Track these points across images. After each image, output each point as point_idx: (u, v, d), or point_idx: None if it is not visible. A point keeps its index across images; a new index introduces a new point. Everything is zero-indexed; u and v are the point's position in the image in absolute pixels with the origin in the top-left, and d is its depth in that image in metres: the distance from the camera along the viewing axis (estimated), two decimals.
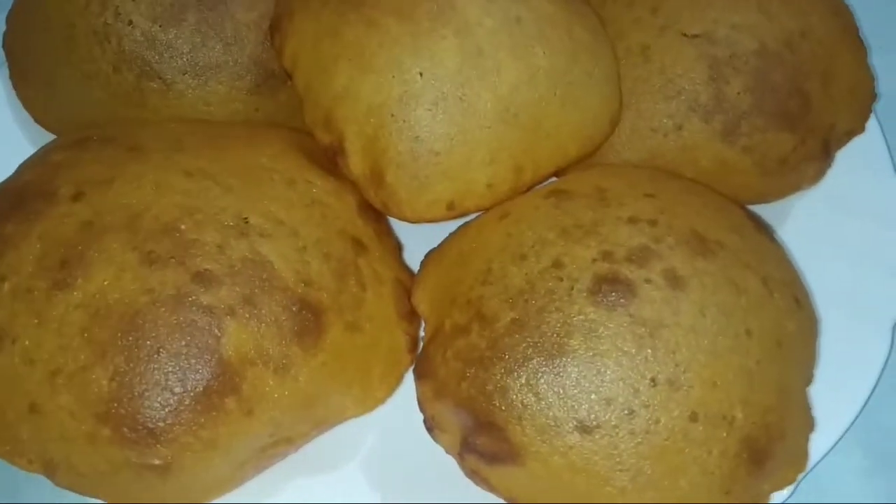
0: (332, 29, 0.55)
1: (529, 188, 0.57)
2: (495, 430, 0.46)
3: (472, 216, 0.57)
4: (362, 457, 0.56)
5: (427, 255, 0.58)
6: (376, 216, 0.58)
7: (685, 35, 0.62)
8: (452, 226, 0.58)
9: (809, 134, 0.62)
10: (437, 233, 0.58)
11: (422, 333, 0.56)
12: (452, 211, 0.55)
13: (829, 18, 0.65)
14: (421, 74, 0.53)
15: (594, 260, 0.48)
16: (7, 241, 0.49)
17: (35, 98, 0.67)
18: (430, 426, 0.51)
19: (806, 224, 0.65)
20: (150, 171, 0.52)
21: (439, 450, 0.53)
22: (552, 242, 0.49)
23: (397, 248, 0.60)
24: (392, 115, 0.53)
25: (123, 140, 0.55)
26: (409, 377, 0.55)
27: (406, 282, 0.57)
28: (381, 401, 0.54)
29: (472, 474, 0.49)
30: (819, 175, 0.65)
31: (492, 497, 0.51)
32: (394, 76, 0.53)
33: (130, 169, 0.52)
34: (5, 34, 0.69)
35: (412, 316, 0.56)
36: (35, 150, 0.66)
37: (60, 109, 0.66)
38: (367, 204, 0.57)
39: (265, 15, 0.64)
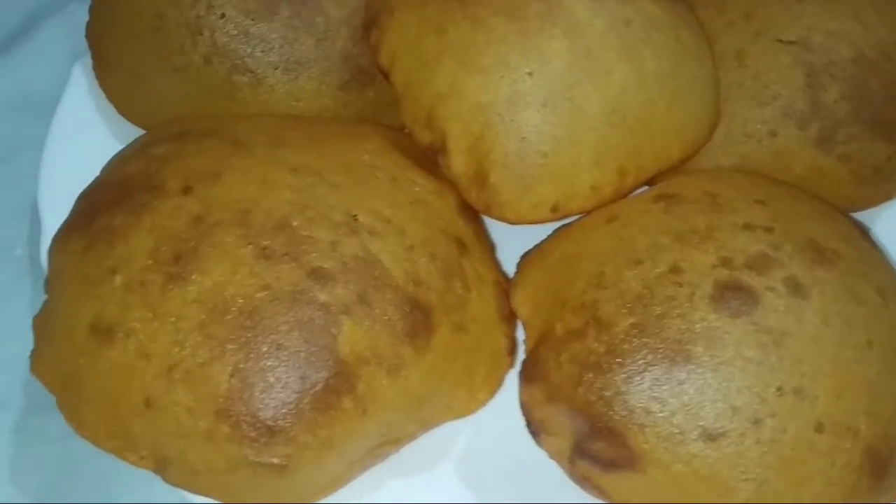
0: (436, 26, 0.55)
1: (630, 191, 0.56)
2: (614, 436, 0.46)
3: (569, 219, 0.57)
4: (456, 457, 0.56)
5: (524, 257, 0.57)
6: (474, 216, 0.57)
7: (781, 41, 0.62)
8: (538, 227, 0.57)
9: None
10: (520, 233, 0.58)
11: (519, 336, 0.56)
12: (555, 213, 0.55)
13: None
14: (530, 74, 0.53)
15: (713, 266, 0.48)
16: (116, 232, 0.49)
17: (118, 88, 0.66)
18: (537, 430, 0.51)
19: (892, 233, 0.65)
20: (256, 165, 0.51)
21: (533, 451, 0.52)
22: (668, 247, 0.49)
23: (493, 248, 0.59)
24: (499, 115, 0.53)
25: (224, 133, 0.54)
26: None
27: (504, 283, 0.56)
28: (483, 403, 0.53)
29: (583, 480, 0.49)
30: None
31: (589, 498, 0.50)
32: (502, 76, 0.53)
33: (236, 163, 0.51)
34: (88, 25, 0.68)
35: (511, 318, 0.55)
36: (115, 141, 0.66)
37: (145, 100, 0.65)
38: (466, 204, 0.56)
39: (356, 10, 0.63)
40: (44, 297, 0.56)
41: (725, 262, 0.48)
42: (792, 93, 0.61)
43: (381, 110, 0.66)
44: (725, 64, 0.62)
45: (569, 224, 0.56)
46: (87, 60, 0.69)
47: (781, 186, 0.54)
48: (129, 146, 0.57)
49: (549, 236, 0.57)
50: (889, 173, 0.63)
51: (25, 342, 0.61)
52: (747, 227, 0.49)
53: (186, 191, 0.50)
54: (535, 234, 0.58)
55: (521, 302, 0.55)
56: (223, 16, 0.61)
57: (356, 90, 0.64)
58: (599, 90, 0.53)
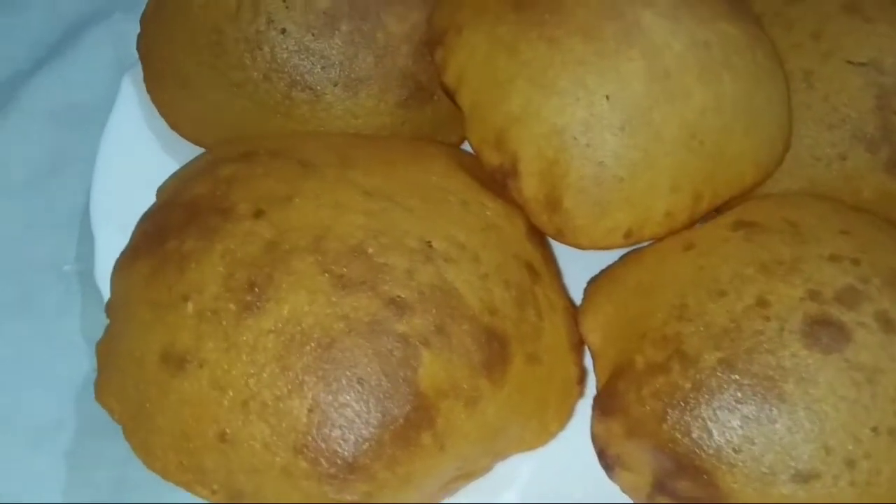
0: (508, 46, 0.53)
1: (701, 217, 0.55)
2: (700, 474, 0.45)
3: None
4: (520, 488, 0.54)
5: (592, 283, 0.56)
6: (542, 241, 0.56)
7: (851, 62, 0.60)
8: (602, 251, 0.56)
9: None
10: (584, 256, 0.56)
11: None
12: (628, 239, 0.53)
13: None
14: (607, 97, 0.51)
15: (801, 299, 0.46)
16: (187, 257, 0.47)
17: (171, 103, 0.65)
18: (612, 464, 0.49)
19: None
20: (327, 188, 0.50)
21: (598, 483, 0.51)
22: (752, 279, 0.48)
23: (560, 273, 0.58)
24: (575, 139, 0.52)
25: (292, 154, 0.53)
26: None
27: (573, 310, 0.55)
28: (555, 434, 0.52)
29: None
30: None
31: None
32: (578, 98, 0.51)
33: (307, 186, 0.50)
34: (140, 37, 0.67)
35: (580, 345, 0.54)
36: (167, 156, 0.65)
37: (199, 115, 0.64)
38: (535, 228, 0.55)
39: (417, 26, 0.62)
40: (96, 315, 0.55)
41: (814, 296, 0.46)
42: (862, 115, 0.59)
43: (439, 127, 0.65)
44: (794, 85, 0.60)
45: (640, 250, 0.55)
46: (137, 72, 0.67)
47: (860, 214, 0.53)
48: (190, 165, 0.56)
49: (619, 262, 0.55)
50: None
51: (77, 363, 0.61)
52: (833, 258, 0.48)
53: (258, 214, 0.48)
54: (598, 257, 0.56)
55: (591, 329, 0.53)
56: (284, 31, 0.60)
57: (415, 107, 0.63)
58: (678, 113, 0.52)
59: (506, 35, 0.53)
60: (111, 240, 0.59)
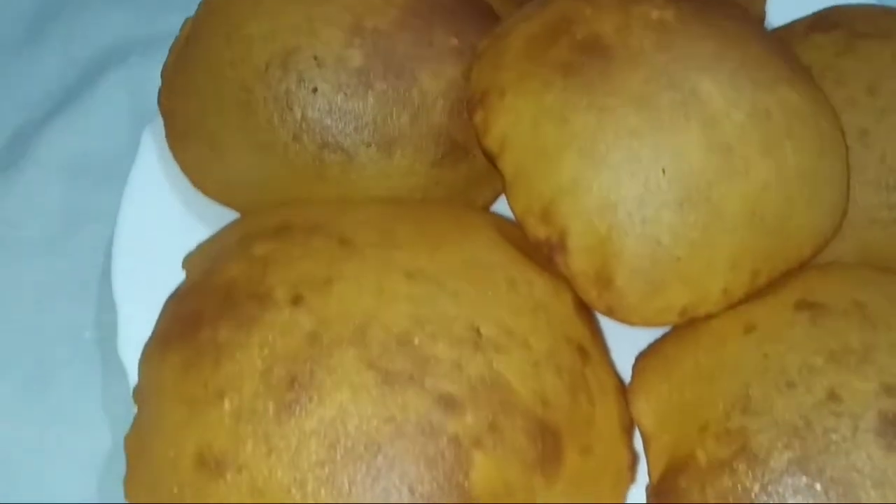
0: (557, 115, 0.51)
1: (757, 291, 0.52)
2: None
3: None
4: None
5: (642, 358, 0.53)
6: (590, 315, 0.53)
7: None
8: None
9: None
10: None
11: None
12: (683, 317, 0.51)
13: None
14: (664, 171, 0.49)
15: (876, 394, 0.44)
16: (223, 349, 0.45)
17: (195, 162, 0.62)
18: None
19: None
20: (369, 271, 0.47)
21: None
22: (822, 370, 0.45)
23: (607, 348, 0.55)
24: (629, 215, 0.49)
25: (330, 230, 0.50)
26: None
27: (623, 388, 0.52)
28: None
29: None
30: None
31: None
32: (633, 172, 0.49)
33: (348, 269, 0.47)
34: (161, 91, 0.64)
35: (631, 427, 0.51)
36: (192, 216, 0.62)
37: (225, 176, 0.61)
38: (582, 302, 0.52)
39: (452, 83, 0.59)
40: (118, 388, 0.52)
41: (889, 391, 0.44)
42: None
43: (473, 184, 0.62)
44: (848, 143, 0.58)
45: (695, 325, 0.52)
46: (157, 125, 0.65)
47: None
48: (219, 238, 0.53)
49: (672, 338, 0.53)
50: None
51: (99, 438, 0.58)
52: None
53: (297, 301, 0.46)
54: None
55: (643, 412, 0.51)
56: (315, 90, 0.57)
57: (449, 166, 0.60)
58: (739, 189, 0.49)
59: (554, 103, 0.51)
60: (135, 311, 0.57)
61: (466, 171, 0.61)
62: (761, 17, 0.71)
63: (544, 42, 0.53)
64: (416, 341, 0.45)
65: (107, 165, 0.70)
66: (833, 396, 0.44)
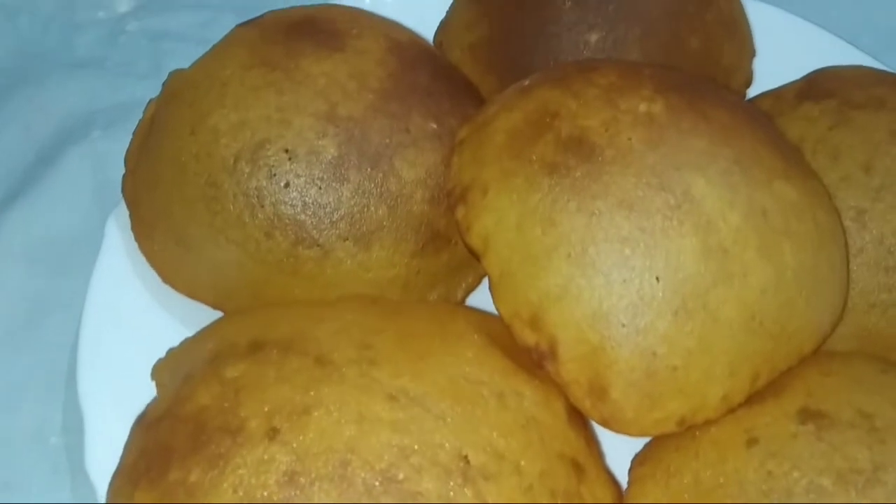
0: (544, 216, 0.48)
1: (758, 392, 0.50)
2: None
3: None
4: None
5: (639, 465, 0.51)
6: (583, 419, 0.51)
7: None
8: None
9: None
10: None
11: None
12: (682, 426, 0.48)
13: None
14: (658, 279, 0.46)
15: None
16: (194, 491, 0.42)
17: (163, 256, 0.59)
18: None
19: None
20: (348, 395, 0.44)
21: None
22: (830, 493, 0.43)
23: (602, 453, 0.52)
24: (623, 325, 0.46)
25: (306, 347, 0.47)
26: None
27: (619, 496, 0.50)
28: None
29: None
30: None
31: None
32: (625, 280, 0.46)
33: (326, 394, 0.44)
34: (125, 178, 0.61)
35: None
36: (162, 310, 0.59)
37: (195, 271, 0.58)
38: (574, 409, 0.50)
39: (431, 170, 0.56)
40: (88, 497, 0.49)
41: None
42: None
43: (455, 272, 0.60)
44: (845, 226, 0.55)
45: (694, 435, 0.49)
46: (122, 212, 0.61)
47: None
48: (191, 349, 0.50)
49: (669, 445, 0.50)
50: None
51: None
52: None
53: (272, 434, 0.43)
54: None
55: None
56: (287, 185, 0.54)
57: (431, 255, 0.57)
58: (737, 294, 0.46)
59: (540, 204, 0.48)
60: (103, 424, 0.54)
61: (448, 258, 0.58)
62: (747, 84, 0.69)
63: (528, 137, 0.50)
64: (401, 476, 0.42)
65: (71, 249, 0.67)
66: None
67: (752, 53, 0.71)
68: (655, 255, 0.46)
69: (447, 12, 0.71)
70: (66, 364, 0.62)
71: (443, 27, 0.71)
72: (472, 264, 0.59)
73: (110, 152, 0.70)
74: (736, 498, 0.45)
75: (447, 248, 0.58)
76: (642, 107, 0.49)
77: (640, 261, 0.46)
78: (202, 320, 0.56)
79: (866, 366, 0.51)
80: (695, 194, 0.47)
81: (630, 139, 0.48)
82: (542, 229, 0.48)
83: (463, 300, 0.61)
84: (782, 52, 0.72)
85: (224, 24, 0.80)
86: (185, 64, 0.75)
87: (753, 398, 0.49)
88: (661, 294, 0.46)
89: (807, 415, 0.47)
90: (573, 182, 0.48)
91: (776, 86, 0.67)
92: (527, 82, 0.54)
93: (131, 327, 0.58)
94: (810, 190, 0.50)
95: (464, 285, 0.61)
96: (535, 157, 0.49)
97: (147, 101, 0.64)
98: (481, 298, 0.58)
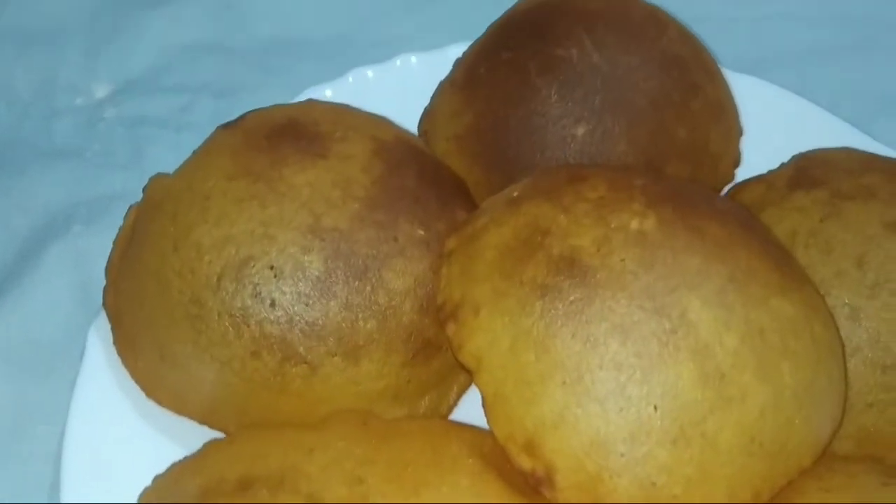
0: (536, 342, 0.47)
1: None
2: None
3: None
4: None
5: None
6: None
7: None
8: None
9: None
10: None
11: None
12: None
13: None
14: (655, 408, 0.45)
15: None
16: None
17: (146, 371, 0.57)
18: None
19: None
20: None
21: None
22: None
23: None
24: (621, 455, 0.45)
25: (296, 483, 0.46)
26: None
27: None
28: None
29: None
30: None
31: None
32: (621, 409, 0.45)
33: None
34: (106, 290, 0.60)
35: None
36: (146, 425, 0.58)
37: (180, 387, 0.57)
38: None
39: (420, 280, 0.55)
40: None
41: None
42: None
43: (447, 377, 0.59)
44: (840, 324, 0.55)
45: None
46: (103, 321, 0.60)
47: None
48: (178, 481, 0.49)
49: None
50: None
51: None
52: None
53: None
54: None
55: None
56: (273, 303, 0.53)
57: (421, 364, 0.56)
58: (735, 419, 0.46)
59: (533, 328, 0.47)
60: None
61: (439, 365, 0.57)
62: (735, 165, 0.69)
63: (519, 256, 0.49)
64: None
65: (54, 354, 0.65)
66: None
67: (740, 134, 0.70)
68: (652, 383, 0.45)
69: (432, 99, 0.71)
70: (49, 480, 0.60)
71: (427, 115, 0.70)
72: (462, 372, 0.58)
73: (92, 248, 0.69)
74: None
75: (438, 356, 0.57)
76: (634, 223, 0.48)
77: (636, 389, 0.45)
78: (188, 434, 0.56)
79: (866, 477, 0.50)
80: (691, 317, 0.46)
81: (623, 260, 0.47)
82: (536, 355, 0.47)
83: (455, 402, 0.60)
84: (768, 126, 0.72)
85: (202, 108, 0.81)
86: (165, 152, 0.74)
87: None
88: (658, 423, 0.45)
89: None
90: (566, 306, 0.47)
91: (763, 161, 0.67)
92: (516, 193, 0.53)
93: (115, 443, 0.57)
94: (806, 302, 0.50)
95: (455, 388, 0.60)
96: (526, 279, 0.48)
97: (127, 192, 0.63)
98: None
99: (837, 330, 0.52)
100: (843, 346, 0.52)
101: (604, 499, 0.46)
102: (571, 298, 0.47)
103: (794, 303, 0.49)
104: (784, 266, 0.51)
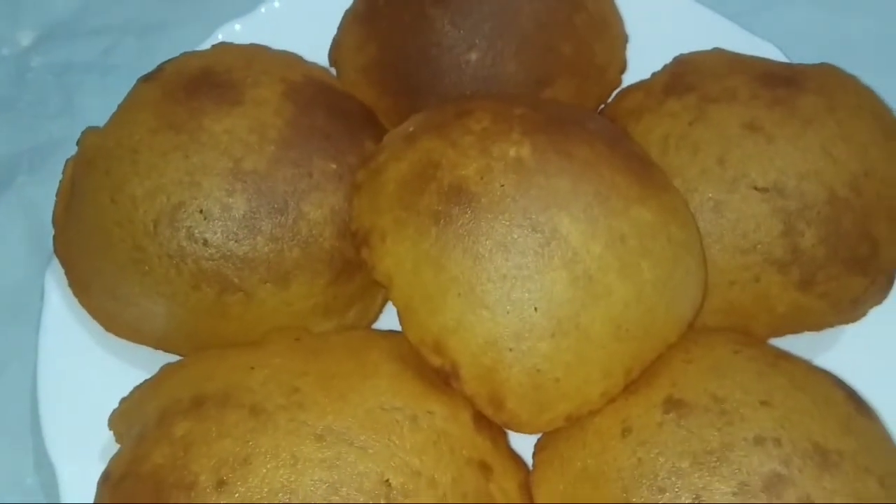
0: (434, 262, 0.55)
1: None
2: None
3: None
4: None
5: (540, 450, 0.60)
6: (489, 422, 0.59)
7: (756, 188, 0.63)
8: None
9: (879, 273, 0.65)
10: None
11: None
12: (570, 421, 0.57)
13: (885, 146, 0.66)
14: (536, 308, 0.54)
15: (734, 494, 0.51)
16: None
17: (101, 309, 0.65)
18: None
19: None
20: (281, 441, 0.52)
21: None
22: (688, 473, 0.52)
23: (507, 436, 0.61)
24: (510, 350, 0.54)
25: (241, 398, 0.54)
26: None
27: (526, 478, 0.59)
28: None
29: None
30: (882, 300, 0.68)
31: None
32: (508, 311, 0.54)
33: (262, 442, 0.52)
34: (55, 238, 0.66)
35: None
36: (108, 353, 0.65)
37: (133, 322, 0.64)
38: (480, 413, 0.58)
39: (336, 209, 0.62)
40: None
41: (743, 489, 0.51)
42: (771, 240, 0.62)
43: (369, 289, 0.66)
44: (705, 216, 0.63)
45: (582, 426, 0.58)
46: (56, 266, 0.66)
47: (781, 372, 0.57)
48: (140, 400, 0.57)
49: (563, 436, 0.59)
50: (865, 300, 0.66)
51: None
52: (758, 440, 0.52)
53: (220, 485, 0.50)
54: None
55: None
56: (205, 243, 0.60)
57: (344, 282, 0.64)
58: (603, 312, 0.54)
59: (430, 250, 0.55)
60: (72, 470, 0.61)
61: (361, 279, 0.65)
62: (621, 72, 0.75)
63: (415, 188, 0.56)
64: None
65: (15, 300, 0.72)
66: (698, 499, 0.51)
67: (625, 41, 0.76)
68: (532, 289, 0.53)
69: (338, 29, 0.75)
70: (29, 410, 0.68)
71: (336, 46, 0.75)
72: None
73: (40, 195, 0.75)
74: (615, 483, 0.54)
75: (359, 272, 0.64)
76: (512, 152, 0.56)
77: (519, 294, 0.54)
78: (147, 359, 0.64)
79: (722, 348, 0.59)
80: (561, 231, 0.54)
81: (503, 185, 0.54)
82: (434, 273, 0.55)
83: (381, 309, 0.69)
84: (653, 28, 0.78)
85: (126, 49, 0.84)
86: (93, 98, 0.78)
87: (629, 388, 0.58)
88: (539, 321, 0.54)
89: (670, 404, 0.55)
90: (456, 230, 0.54)
91: (649, 63, 0.73)
92: (411, 128, 0.60)
93: (84, 374, 0.65)
94: (664, 207, 0.58)
95: (379, 298, 0.68)
96: (422, 208, 0.55)
97: (64, 139, 0.68)
98: None
99: (696, 227, 0.60)
100: (700, 240, 0.60)
101: (499, 386, 0.55)
102: (460, 223, 0.54)
103: (652, 209, 0.57)
104: (645, 178, 0.58)
